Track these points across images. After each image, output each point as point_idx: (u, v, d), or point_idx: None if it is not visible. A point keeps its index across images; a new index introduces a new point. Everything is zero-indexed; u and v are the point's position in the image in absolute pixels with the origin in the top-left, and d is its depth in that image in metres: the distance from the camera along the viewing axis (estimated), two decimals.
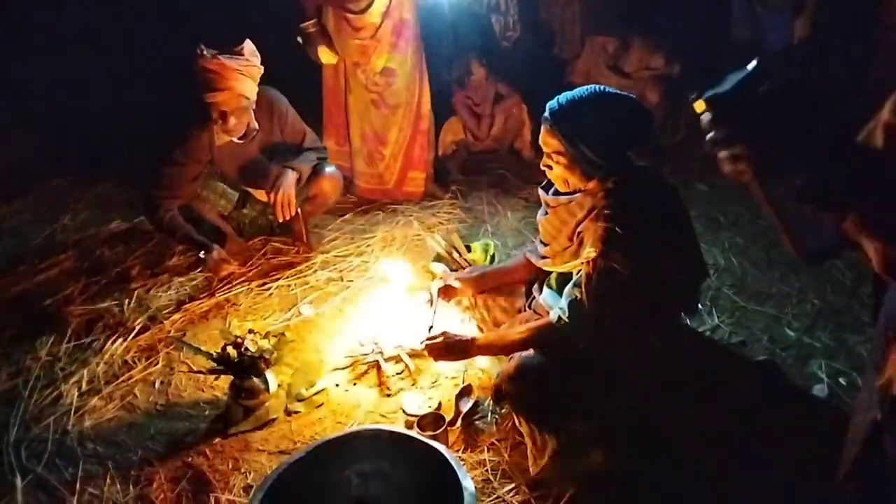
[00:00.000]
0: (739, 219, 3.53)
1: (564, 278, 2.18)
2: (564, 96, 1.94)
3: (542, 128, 1.96)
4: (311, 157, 3.26)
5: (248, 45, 2.94)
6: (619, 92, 1.93)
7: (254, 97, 2.98)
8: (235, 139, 3.05)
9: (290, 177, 3.10)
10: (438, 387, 2.44)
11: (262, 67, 2.96)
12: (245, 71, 2.86)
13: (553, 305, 2.15)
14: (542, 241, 2.25)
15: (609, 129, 1.90)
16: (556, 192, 2.12)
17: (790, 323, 2.69)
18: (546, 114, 1.95)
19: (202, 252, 3.00)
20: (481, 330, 2.50)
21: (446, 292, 2.51)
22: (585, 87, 1.94)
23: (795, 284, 2.93)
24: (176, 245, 3.33)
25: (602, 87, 1.93)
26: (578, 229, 2.01)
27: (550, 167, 2.01)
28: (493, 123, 4.45)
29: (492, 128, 4.46)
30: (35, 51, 4.94)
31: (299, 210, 3.19)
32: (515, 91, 4.39)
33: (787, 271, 3.03)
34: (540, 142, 1.99)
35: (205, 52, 2.81)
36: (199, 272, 3.15)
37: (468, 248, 3.15)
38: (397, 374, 2.48)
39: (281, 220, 3.13)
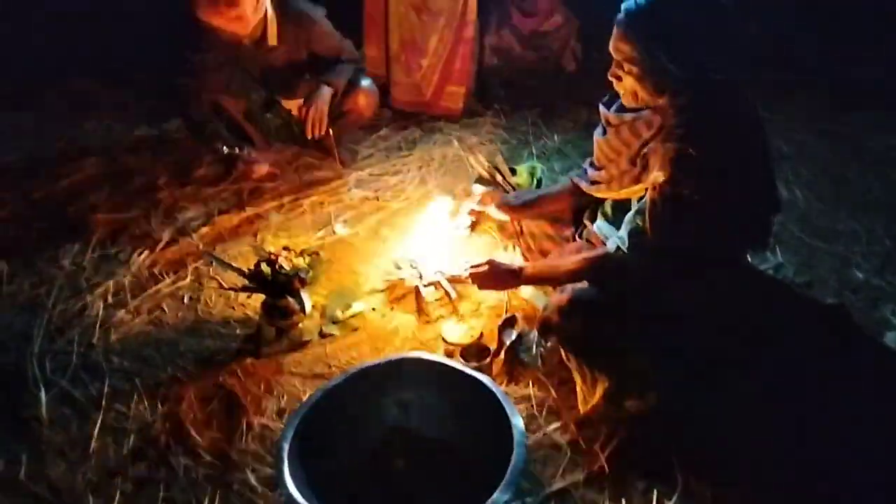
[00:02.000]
0: (804, 148, 3.29)
1: (621, 206, 2.00)
2: None
3: (615, 31, 1.73)
4: (348, 70, 3.03)
5: None
6: None
7: None
8: (246, 41, 2.79)
9: (325, 93, 2.90)
10: (480, 316, 2.31)
11: None
12: None
13: (609, 236, 1.98)
14: (593, 165, 2.05)
15: (693, 37, 1.66)
16: (620, 109, 1.90)
17: (859, 263, 2.50)
18: (621, 15, 1.71)
19: (233, 149, 2.87)
20: (526, 259, 2.35)
21: (482, 217, 2.35)
22: None
23: (864, 222, 2.73)
24: (205, 154, 3.17)
25: None
26: (644, 151, 1.81)
27: (619, 78, 1.79)
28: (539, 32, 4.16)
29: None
30: None
31: (330, 129, 3.00)
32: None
33: (855, 207, 2.82)
34: (611, 48, 1.76)
35: None
36: (229, 177, 2.99)
37: (513, 171, 2.96)
38: (437, 300, 2.35)
39: (310, 137, 2.95)
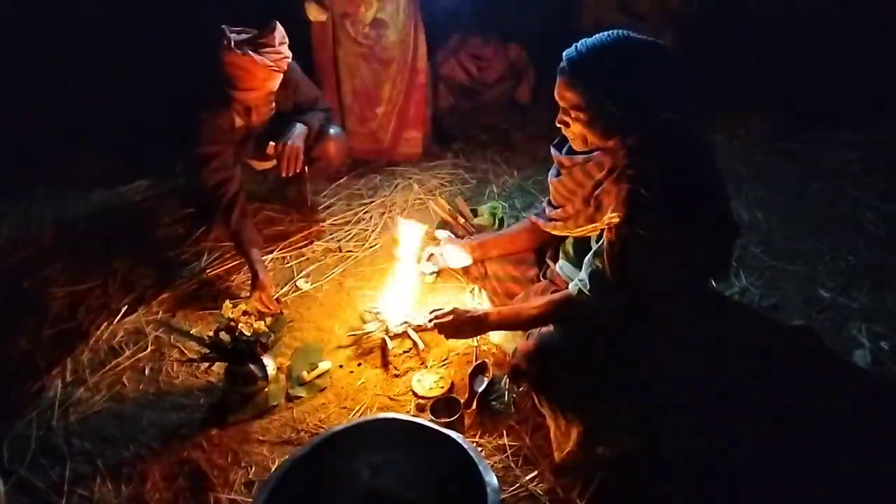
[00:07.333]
0: (762, 170, 3.32)
1: (582, 245, 1.99)
2: (584, 43, 1.70)
3: (559, 80, 1.73)
4: (320, 116, 3.00)
5: (279, 32, 2.55)
6: (646, 38, 1.69)
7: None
8: (255, 116, 2.75)
9: (300, 130, 2.84)
10: (449, 365, 2.27)
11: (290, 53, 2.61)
12: (277, 66, 2.53)
13: (571, 276, 1.97)
14: (550, 204, 2.05)
15: (636, 82, 1.67)
16: (571, 151, 1.90)
17: (824, 283, 2.52)
18: (563, 63, 1.71)
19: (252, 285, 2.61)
20: (493, 301, 2.32)
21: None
22: (608, 33, 1.70)
23: (826, 240, 2.75)
24: (161, 217, 3.11)
25: (626, 33, 1.69)
26: (596, 192, 1.81)
27: (567, 124, 1.79)
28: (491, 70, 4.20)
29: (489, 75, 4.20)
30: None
31: (306, 167, 2.93)
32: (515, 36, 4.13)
33: (816, 225, 2.85)
34: (556, 96, 1.76)
35: (232, 44, 2.42)
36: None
37: (474, 213, 2.96)
38: (405, 352, 2.31)
39: (284, 175, 2.85)
